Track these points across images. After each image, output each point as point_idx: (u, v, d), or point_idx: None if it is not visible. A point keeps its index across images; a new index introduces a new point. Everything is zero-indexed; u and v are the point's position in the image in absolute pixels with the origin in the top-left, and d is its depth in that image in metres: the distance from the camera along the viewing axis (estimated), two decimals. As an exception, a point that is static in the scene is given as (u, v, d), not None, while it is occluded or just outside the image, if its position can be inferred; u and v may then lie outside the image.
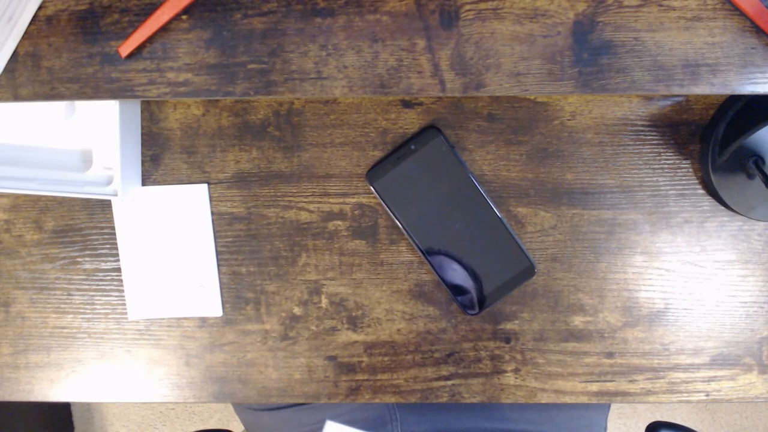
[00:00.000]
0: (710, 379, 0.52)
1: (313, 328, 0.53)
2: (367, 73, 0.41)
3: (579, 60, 0.40)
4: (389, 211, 0.50)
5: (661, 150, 0.49)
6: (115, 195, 0.48)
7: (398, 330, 0.53)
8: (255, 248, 0.52)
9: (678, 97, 0.48)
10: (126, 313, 0.54)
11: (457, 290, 0.51)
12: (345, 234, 0.52)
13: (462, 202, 0.49)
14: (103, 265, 0.54)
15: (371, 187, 0.50)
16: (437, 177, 0.49)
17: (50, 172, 0.49)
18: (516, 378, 0.53)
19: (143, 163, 0.52)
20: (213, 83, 0.41)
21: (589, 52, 0.39)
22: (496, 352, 0.52)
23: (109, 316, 0.54)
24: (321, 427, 0.63)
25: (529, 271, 0.50)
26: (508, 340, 0.52)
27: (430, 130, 0.49)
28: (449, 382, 0.53)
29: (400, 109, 0.49)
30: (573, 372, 0.52)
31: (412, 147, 0.49)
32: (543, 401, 0.53)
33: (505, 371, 0.53)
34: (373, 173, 0.50)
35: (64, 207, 0.53)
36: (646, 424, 0.68)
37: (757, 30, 0.39)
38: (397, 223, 0.50)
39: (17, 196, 0.53)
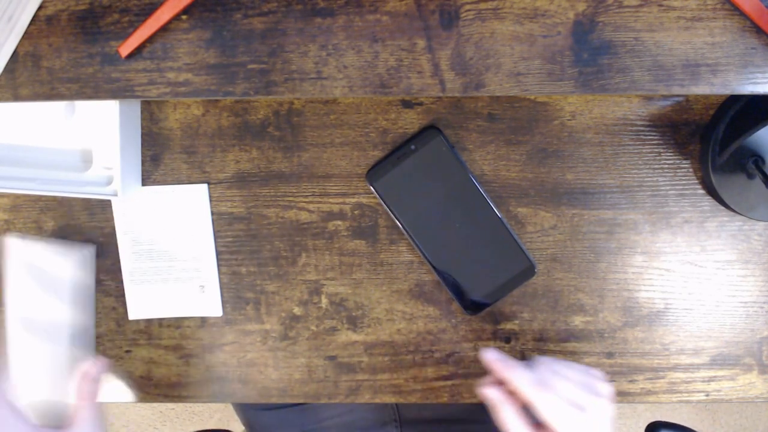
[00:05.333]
0: (710, 379, 0.52)
1: (313, 328, 0.53)
2: (367, 73, 0.41)
3: (579, 60, 0.40)
4: (389, 211, 0.50)
5: (661, 150, 0.49)
6: (115, 195, 0.48)
7: (398, 330, 0.53)
8: (255, 248, 0.52)
9: (678, 97, 0.48)
10: (126, 313, 0.54)
11: (457, 290, 0.51)
12: (345, 234, 0.52)
13: (462, 202, 0.49)
14: (103, 265, 0.54)
15: (371, 187, 0.50)
16: (437, 177, 0.49)
17: (50, 172, 0.49)
18: (516, 378, 0.53)
19: (143, 163, 0.52)
20: (213, 83, 0.41)
21: (589, 52, 0.39)
22: (496, 352, 0.52)
23: (109, 316, 0.54)
24: (321, 427, 0.63)
25: (529, 271, 0.50)
26: (508, 340, 0.52)
27: (430, 130, 0.49)
28: (449, 382, 0.53)
29: (400, 109, 0.49)
30: (573, 372, 0.52)
31: (412, 147, 0.49)
32: (543, 401, 0.53)
33: (505, 371, 0.53)
34: (373, 173, 0.50)
35: (64, 207, 0.53)
36: (646, 424, 0.68)
37: (757, 30, 0.39)
38: (397, 223, 0.50)
39: (17, 196, 0.53)
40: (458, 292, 0.51)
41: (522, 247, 0.50)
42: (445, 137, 0.49)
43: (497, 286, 0.50)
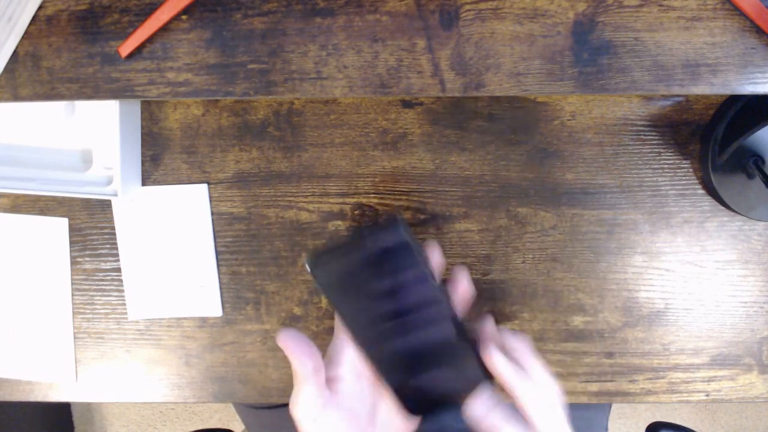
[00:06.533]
0: (710, 379, 0.52)
1: (313, 328, 0.53)
2: (367, 73, 0.41)
3: (579, 60, 0.40)
4: (331, 303, 0.38)
5: (661, 150, 0.49)
6: (115, 195, 0.48)
7: (398, 330, 0.52)
8: (255, 248, 0.52)
9: (678, 97, 0.48)
10: (126, 313, 0.54)
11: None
12: (345, 234, 0.52)
13: (415, 298, 0.37)
14: (103, 265, 0.54)
15: (312, 275, 0.36)
16: (389, 270, 0.36)
17: (50, 172, 0.49)
18: (516, 378, 0.52)
19: (143, 163, 0.52)
20: (213, 83, 0.41)
21: (589, 52, 0.39)
22: (496, 352, 0.52)
23: (109, 316, 0.54)
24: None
25: None
26: (508, 340, 0.52)
27: (391, 218, 0.35)
28: (449, 382, 0.53)
29: (400, 109, 0.49)
30: (573, 372, 0.52)
31: (366, 235, 0.35)
32: (543, 401, 0.53)
33: (505, 371, 0.52)
34: (317, 260, 0.36)
35: (64, 207, 0.53)
36: (646, 424, 0.68)
37: (757, 30, 0.39)
38: (340, 317, 0.39)
39: (17, 196, 0.53)
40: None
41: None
42: (405, 228, 0.35)
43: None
